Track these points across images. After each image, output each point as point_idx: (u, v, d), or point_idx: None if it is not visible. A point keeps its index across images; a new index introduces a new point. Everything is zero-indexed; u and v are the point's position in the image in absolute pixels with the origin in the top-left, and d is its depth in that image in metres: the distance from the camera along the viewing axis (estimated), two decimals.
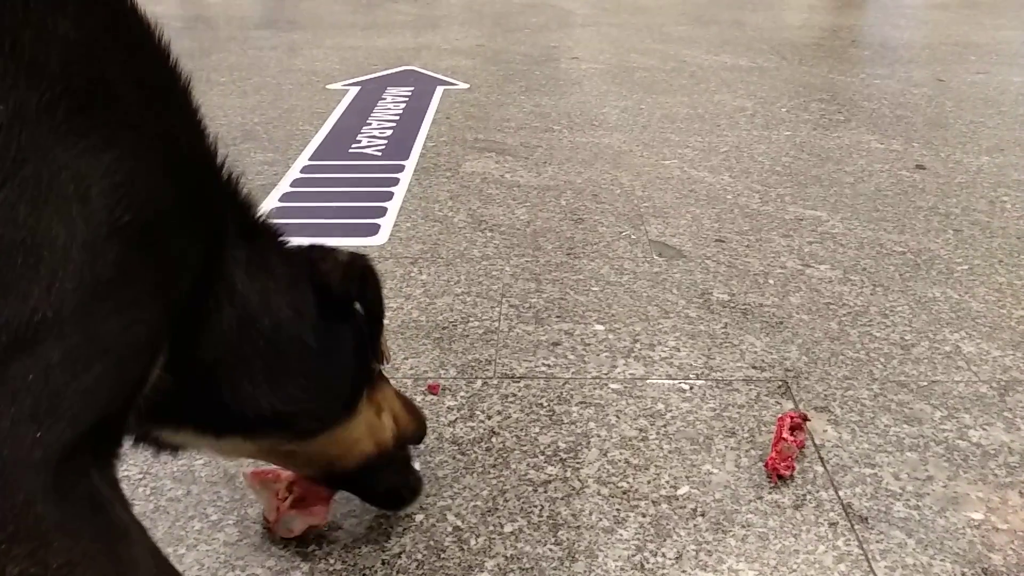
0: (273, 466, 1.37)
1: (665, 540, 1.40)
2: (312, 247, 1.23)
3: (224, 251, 1.03)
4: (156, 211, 0.87)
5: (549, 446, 1.62)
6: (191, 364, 1.01)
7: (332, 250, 1.24)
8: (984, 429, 1.67)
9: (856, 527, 1.42)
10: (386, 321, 1.31)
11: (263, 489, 1.40)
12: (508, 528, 1.42)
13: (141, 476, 1.54)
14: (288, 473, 1.37)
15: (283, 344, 1.11)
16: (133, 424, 1.04)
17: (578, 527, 1.42)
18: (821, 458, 1.58)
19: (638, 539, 1.40)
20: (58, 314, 0.77)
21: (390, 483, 1.37)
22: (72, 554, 0.78)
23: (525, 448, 1.62)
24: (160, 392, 0.96)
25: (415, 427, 1.44)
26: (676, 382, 1.82)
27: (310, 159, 3.20)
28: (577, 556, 1.37)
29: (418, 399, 1.72)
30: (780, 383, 1.81)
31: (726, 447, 1.62)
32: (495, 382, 1.82)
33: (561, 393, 1.78)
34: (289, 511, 1.36)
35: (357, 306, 1.25)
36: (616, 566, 1.35)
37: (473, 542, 1.39)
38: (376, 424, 1.31)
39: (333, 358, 1.19)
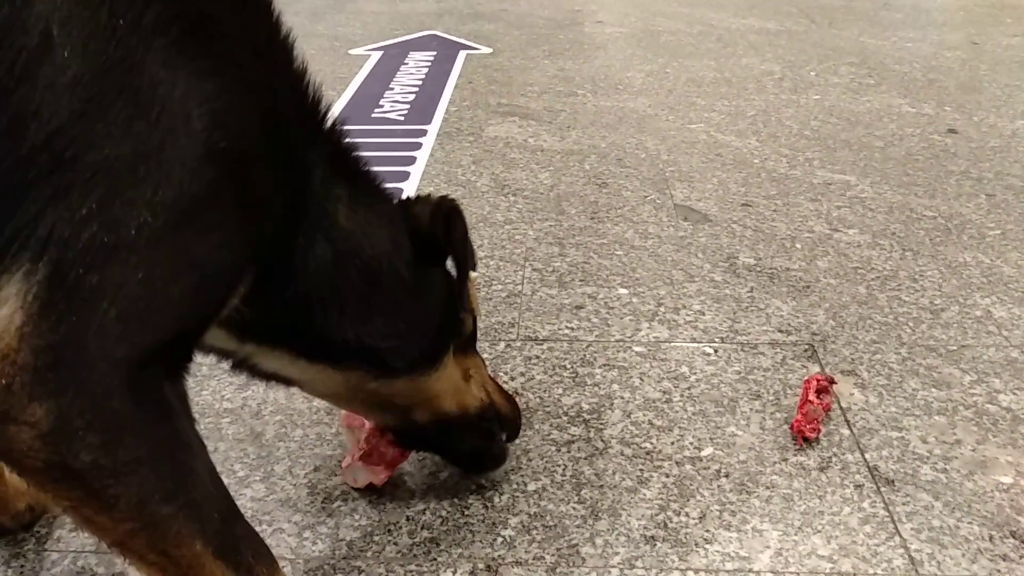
0: (352, 415, 1.41)
1: (689, 500, 1.40)
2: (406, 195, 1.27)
3: (321, 189, 1.06)
4: (250, 143, 0.91)
5: (572, 407, 1.62)
6: (287, 291, 1.05)
7: (424, 195, 1.27)
8: (1015, 394, 1.65)
9: (882, 489, 1.41)
10: (475, 274, 1.30)
11: (349, 434, 1.43)
12: (532, 487, 1.43)
13: None
14: (371, 424, 1.39)
15: (379, 276, 1.14)
16: (234, 344, 1.10)
17: (601, 486, 1.43)
18: (847, 421, 1.57)
19: (661, 499, 1.40)
20: (156, 225, 0.81)
21: (470, 446, 1.36)
22: (139, 452, 0.83)
23: (548, 409, 1.62)
24: (256, 313, 1.01)
25: (509, 411, 1.40)
26: (701, 345, 1.81)
27: None
28: (600, 515, 1.37)
29: None
30: (806, 347, 1.80)
31: (751, 409, 1.61)
32: (518, 344, 1.82)
33: (584, 356, 1.78)
34: (357, 463, 1.39)
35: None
36: (639, 524, 1.35)
37: (497, 500, 1.40)
38: (461, 387, 1.32)
39: (422, 299, 1.21)
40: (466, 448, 1.37)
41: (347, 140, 1.15)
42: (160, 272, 0.83)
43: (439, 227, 1.21)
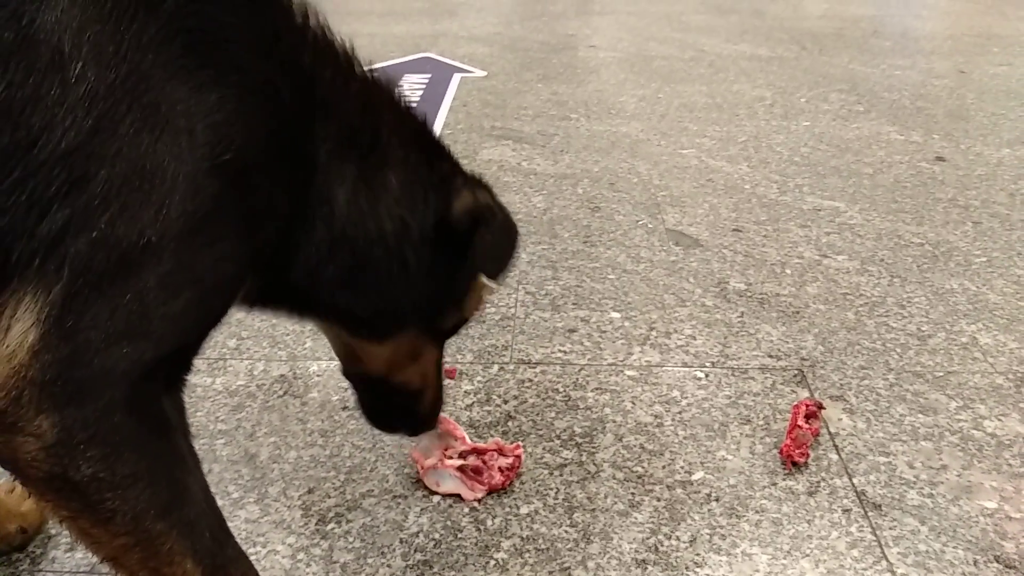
0: (453, 423, 1.51)
1: (679, 524, 1.41)
2: (475, 177, 1.22)
3: (325, 172, 1.03)
4: (253, 150, 0.91)
5: (565, 431, 1.64)
6: (284, 276, 1.06)
7: (481, 185, 1.21)
8: (999, 420, 1.67)
9: (870, 514, 1.43)
10: (492, 284, 1.23)
11: (437, 438, 1.48)
12: (524, 510, 1.44)
13: None
14: (463, 435, 1.48)
15: (373, 259, 1.10)
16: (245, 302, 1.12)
17: (593, 510, 1.44)
18: (836, 446, 1.59)
19: (652, 522, 1.42)
20: (160, 240, 0.83)
21: (384, 408, 1.37)
22: (138, 468, 0.85)
23: (541, 432, 1.63)
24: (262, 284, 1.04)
25: (429, 404, 1.38)
26: (692, 370, 1.83)
27: None
28: (592, 538, 1.38)
29: None
30: (796, 372, 1.82)
31: (741, 434, 1.63)
32: (511, 367, 1.84)
33: (577, 379, 1.80)
34: (454, 471, 1.45)
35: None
36: (631, 548, 1.36)
37: (489, 523, 1.41)
38: (401, 364, 1.28)
39: (416, 280, 1.15)
40: (380, 407, 1.38)
41: (377, 99, 1.10)
42: (164, 288, 0.84)
43: (464, 225, 1.14)
